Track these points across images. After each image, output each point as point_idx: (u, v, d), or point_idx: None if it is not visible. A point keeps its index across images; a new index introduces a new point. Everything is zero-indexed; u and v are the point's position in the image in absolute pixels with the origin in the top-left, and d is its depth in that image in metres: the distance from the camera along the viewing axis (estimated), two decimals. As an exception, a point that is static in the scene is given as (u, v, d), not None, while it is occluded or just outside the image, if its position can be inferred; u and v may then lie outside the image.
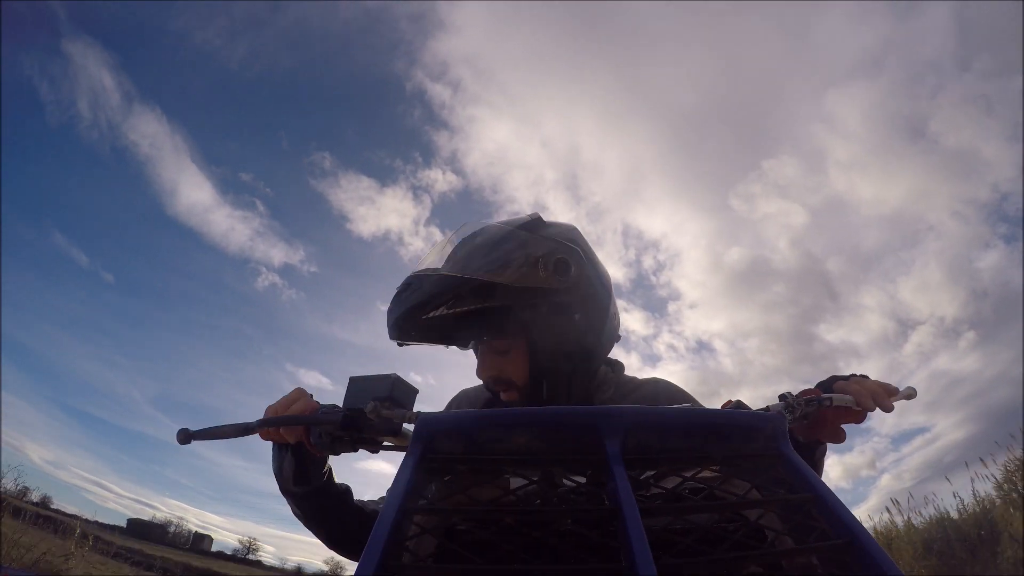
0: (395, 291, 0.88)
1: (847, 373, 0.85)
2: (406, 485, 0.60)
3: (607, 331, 0.96)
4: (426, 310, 0.84)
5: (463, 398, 1.17)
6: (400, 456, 0.66)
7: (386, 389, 0.71)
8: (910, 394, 0.82)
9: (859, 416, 0.79)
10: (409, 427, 0.71)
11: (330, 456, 0.88)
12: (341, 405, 0.75)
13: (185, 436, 0.79)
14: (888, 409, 0.77)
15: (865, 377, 0.83)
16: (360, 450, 0.77)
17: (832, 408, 0.76)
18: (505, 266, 0.84)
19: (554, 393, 0.92)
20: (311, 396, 0.86)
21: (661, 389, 1.06)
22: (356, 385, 0.74)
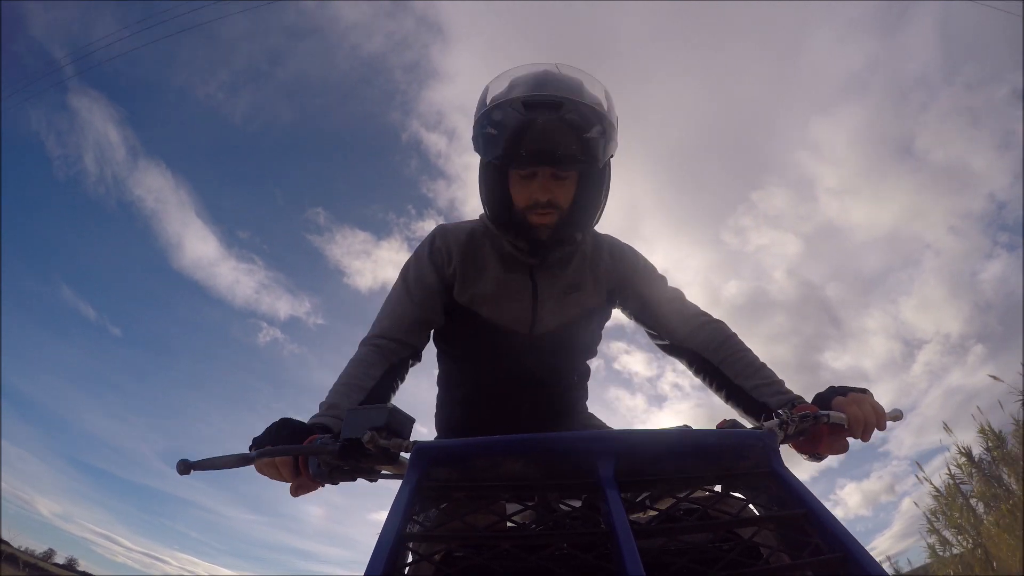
0: (525, 96, 1.02)
1: (848, 385, 0.86)
2: (403, 512, 0.61)
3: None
4: (583, 131, 1.01)
5: (445, 233, 1.23)
6: (392, 497, 0.67)
7: (383, 419, 0.72)
8: (897, 416, 0.83)
9: (855, 430, 0.80)
10: (406, 456, 0.72)
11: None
12: (339, 436, 0.75)
13: (185, 467, 0.80)
14: (881, 428, 0.81)
15: (864, 392, 0.84)
16: (358, 479, 0.77)
17: (828, 424, 0.77)
18: (615, 127, 1.07)
19: (582, 218, 1.12)
20: (301, 423, 0.87)
21: (627, 257, 1.27)
22: (353, 416, 0.74)
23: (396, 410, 0.74)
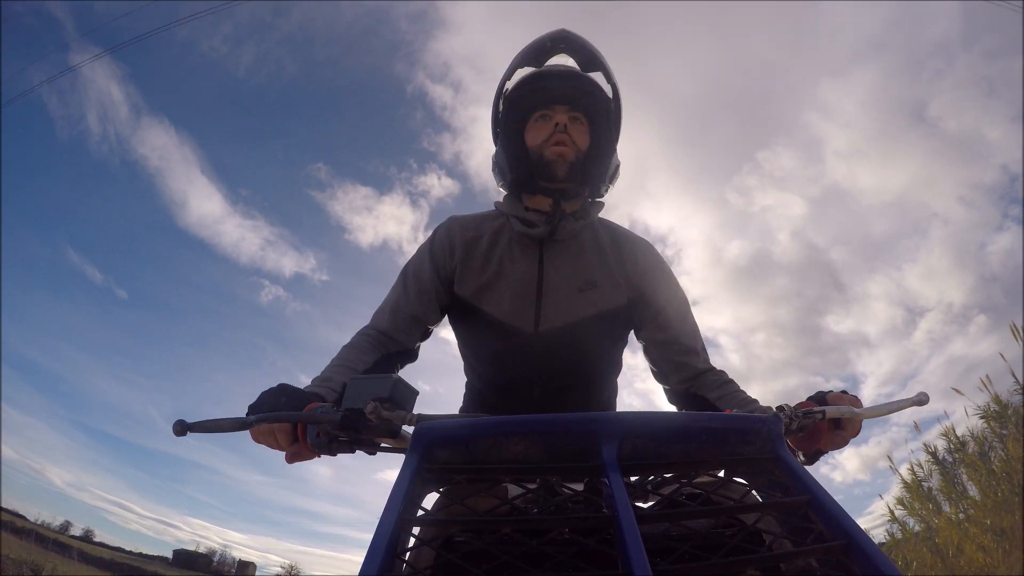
0: (543, 45, 1.15)
1: (837, 390, 0.86)
2: (403, 496, 0.61)
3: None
4: (596, 69, 1.15)
5: (452, 224, 1.23)
6: (398, 458, 0.66)
7: (386, 390, 0.70)
8: (922, 400, 0.83)
9: (855, 427, 0.81)
10: (408, 429, 0.71)
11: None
12: (339, 405, 0.74)
13: (181, 427, 0.79)
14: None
15: (855, 399, 0.84)
16: (357, 451, 0.76)
17: (827, 420, 0.77)
18: (619, 92, 1.18)
19: (596, 164, 1.14)
20: (300, 390, 0.85)
21: (650, 254, 1.24)
22: (355, 385, 0.72)
23: (400, 381, 0.72)
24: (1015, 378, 5.10)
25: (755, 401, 1.05)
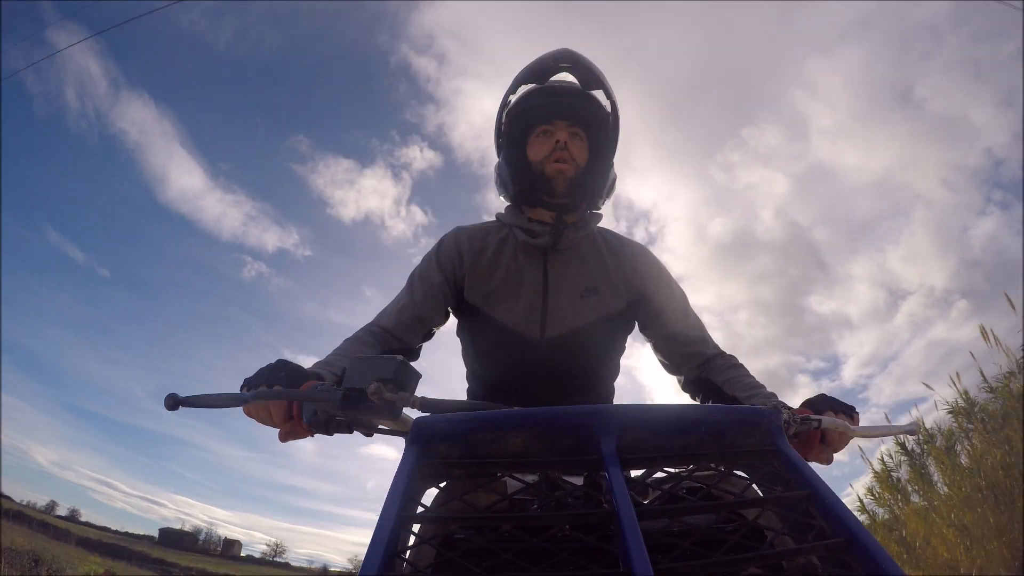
0: (548, 63, 1.20)
1: (840, 400, 0.88)
2: (403, 492, 0.60)
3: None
4: (595, 87, 1.20)
5: (458, 234, 1.27)
6: (395, 440, 0.65)
7: (390, 371, 0.68)
8: (912, 430, 0.88)
9: (845, 441, 0.83)
10: (408, 413, 0.69)
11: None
12: (339, 384, 0.72)
13: (173, 402, 0.77)
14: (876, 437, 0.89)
15: (852, 413, 0.86)
16: (354, 432, 0.75)
17: (821, 430, 0.78)
18: (617, 109, 1.24)
19: (594, 179, 1.20)
20: (298, 366, 0.84)
21: (649, 259, 1.29)
22: (357, 365, 0.71)
23: (404, 363, 0.70)
24: (983, 376, 5.25)
25: (761, 386, 1.09)
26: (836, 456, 0.84)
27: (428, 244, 1.32)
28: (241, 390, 0.80)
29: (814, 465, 0.63)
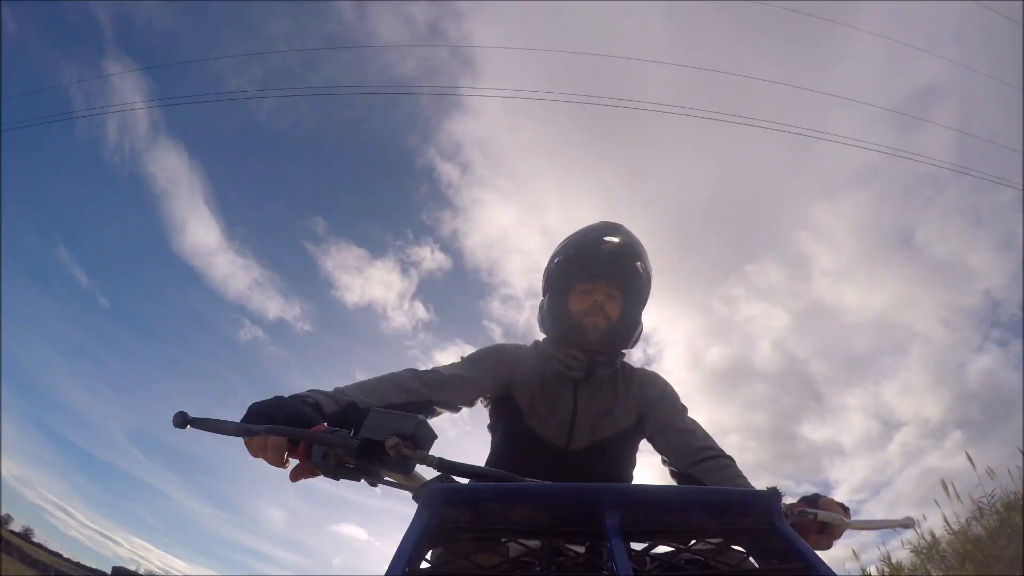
0: (598, 232, 1.39)
1: (834, 499, 0.92)
2: (411, 550, 0.61)
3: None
4: (638, 259, 1.39)
5: (506, 348, 1.46)
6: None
7: (411, 428, 0.70)
8: (908, 523, 0.91)
9: (838, 533, 0.87)
10: (419, 470, 0.70)
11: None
12: (352, 432, 0.73)
13: (182, 420, 0.76)
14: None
15: (845, 510, 0.91)
16: (361, 480, 0.74)
17: (816, 522, 0.82)
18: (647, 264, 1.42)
19: (624, 330, 1.39)
20: (303, 407, 0.85)
21: (656, 385, 1.46)
22: (377, 417, 0.72)
23: (425, 423, 0.72)
24: (945, 523, 5.11)
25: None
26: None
27: (426, 339, 1.51)
28: (246, 421, 0.80)
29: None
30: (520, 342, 1.53)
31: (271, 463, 0.80)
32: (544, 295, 1.47)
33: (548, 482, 0.67)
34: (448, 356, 1.69)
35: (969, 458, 4.83)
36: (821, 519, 0.81)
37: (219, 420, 0.77)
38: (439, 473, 0.71)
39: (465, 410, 1.37)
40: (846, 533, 0.88)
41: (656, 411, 1.40)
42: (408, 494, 0.76)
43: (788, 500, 0.97)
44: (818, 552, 0.85)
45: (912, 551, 5.29)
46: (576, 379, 1.38)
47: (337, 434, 0.73)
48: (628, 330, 1.40)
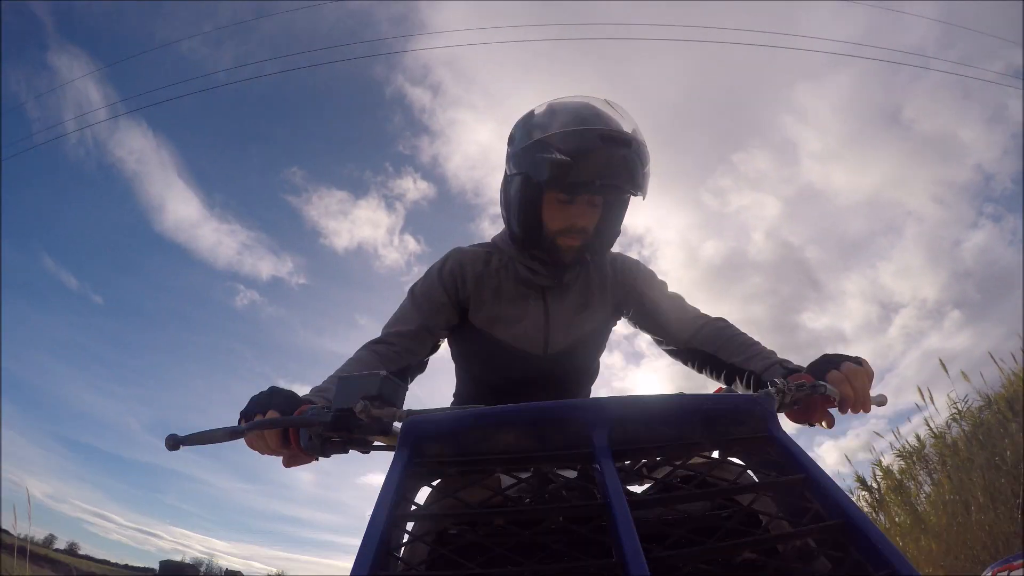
0: (599, 130, 1.06)
1: (842, 353, 0.86)
2: (394, 491, 0.59)
3: None
4: (644, 167, 1.10)
5: (460, 256, 1.26)
6: (386, 458, 0.65)
7: (375, 387, 0.69)
8: (881, 401, 0.85)
9: (845, 406, 0.81)
10: (399, 425, 0.70)
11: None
12: (330, 407, 0.72)
13: (174, 442, 0.77)
14: (866, 411, 0.84)
15: (859, 362, 0.84)
16: (351, 451, 0.75)
17: (821, 395, 0.76)
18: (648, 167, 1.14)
19: (602, 244, 1.21)
20: (291, 392, 0.84)
21: (629, 267, 1.33)
22: (345, 384, 0.72)
23: (388, 377, 0.71)
24: (929, 428, 5.15)
25: (755, 343, 1.11)
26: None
27: (421, 271, 1.33)
28: (239, 422, 0.81)
29: (810, 446, 0.62)
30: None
31: (267, 453, 0.82)
32: (510, 172, 1.18)
33: (529, 403, 0.64)
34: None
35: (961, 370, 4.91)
36: (827, 393, 0.76)
37: (207, 431, 0.78)
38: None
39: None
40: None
41: (635, 292, 1.30)
42: None
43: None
44: (827, 427, 0.83)
45: (898, 455, 5.50)
46: (544, 286, 1.24)
47: (312, 412, 0.74)
48: (604, 245, 1.22)
